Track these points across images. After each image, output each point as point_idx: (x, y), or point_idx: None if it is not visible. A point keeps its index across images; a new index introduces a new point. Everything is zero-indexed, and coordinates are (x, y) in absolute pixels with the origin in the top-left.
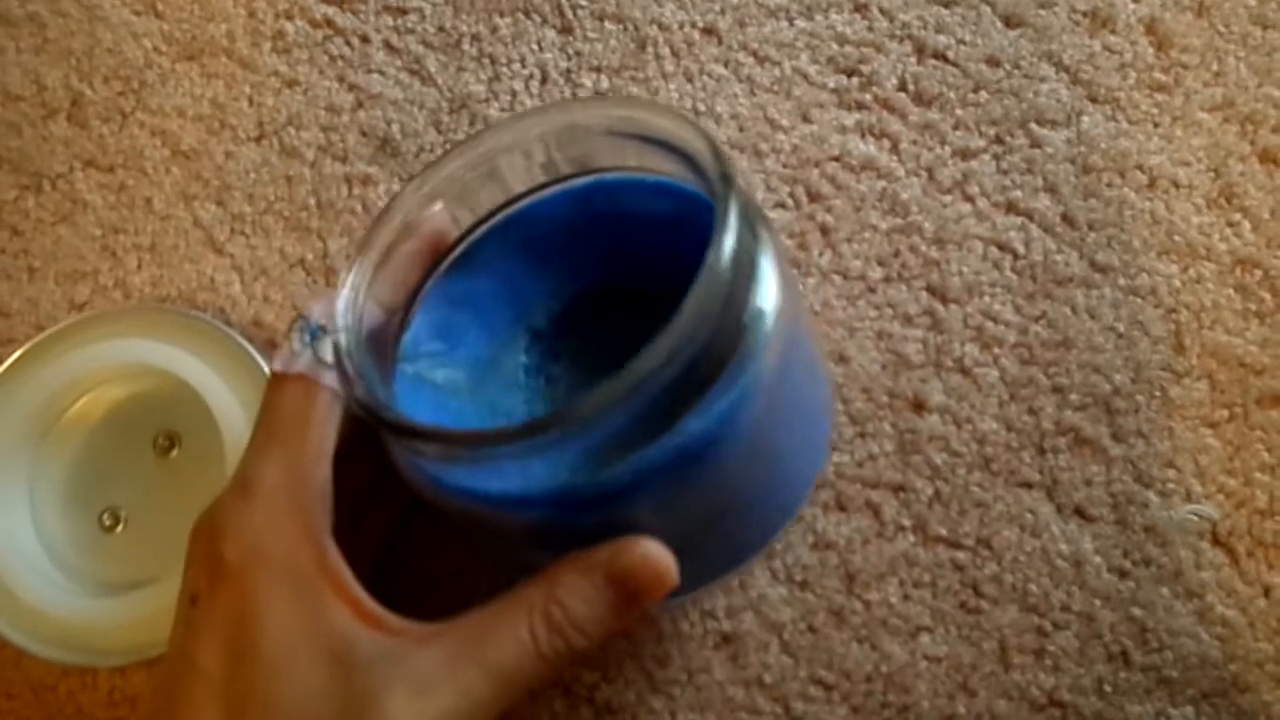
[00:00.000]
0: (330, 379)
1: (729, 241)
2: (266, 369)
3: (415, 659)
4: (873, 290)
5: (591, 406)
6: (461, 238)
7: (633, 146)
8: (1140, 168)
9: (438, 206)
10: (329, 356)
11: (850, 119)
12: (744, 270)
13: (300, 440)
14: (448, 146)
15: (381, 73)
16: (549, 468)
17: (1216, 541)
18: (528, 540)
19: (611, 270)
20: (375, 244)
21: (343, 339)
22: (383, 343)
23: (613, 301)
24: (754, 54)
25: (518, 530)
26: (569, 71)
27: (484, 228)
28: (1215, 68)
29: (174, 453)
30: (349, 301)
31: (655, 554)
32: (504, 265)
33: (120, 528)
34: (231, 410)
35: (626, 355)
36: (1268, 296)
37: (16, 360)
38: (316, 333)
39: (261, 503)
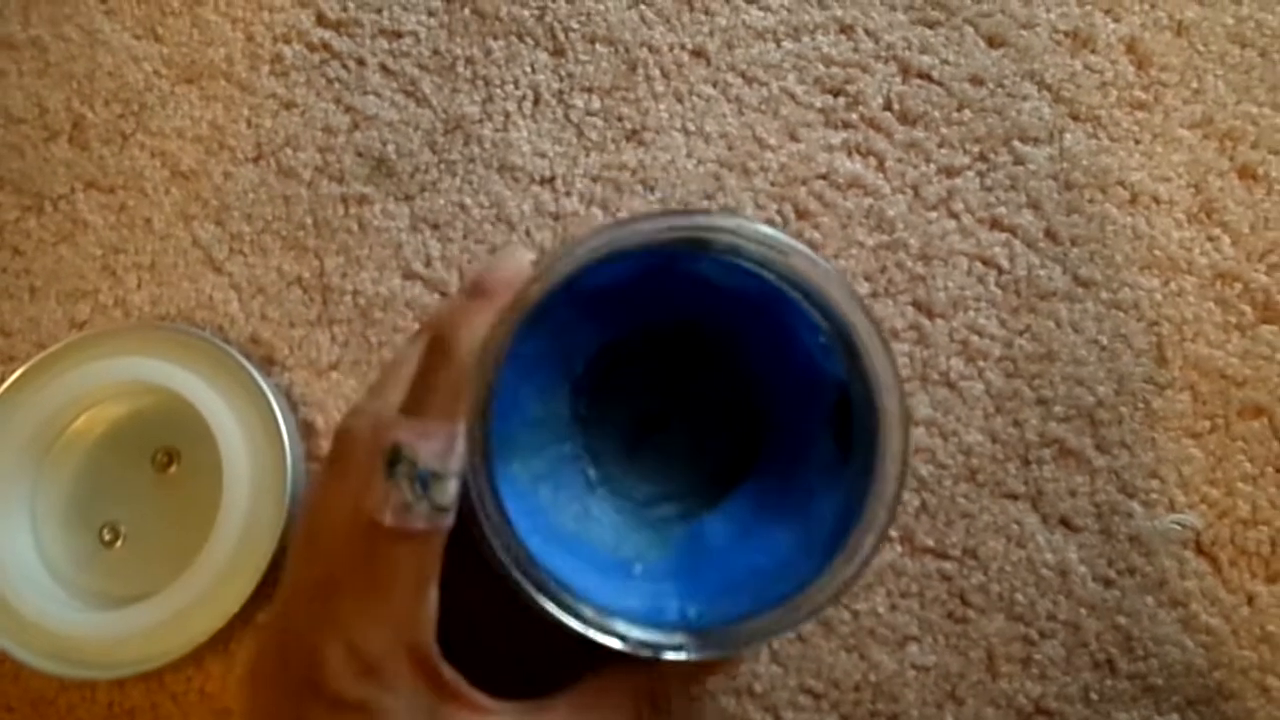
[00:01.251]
0: (446, 522)
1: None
2: (265, 386)
3: None
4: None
5: (745, 635)
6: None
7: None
8: (1122, 184)
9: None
10: (446, 501)
11: (837, 138)
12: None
13: (415, 594)
14: (441, 170)
15: (377, 94)
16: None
17: (1200, 550)
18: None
19: (654, 315)
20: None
21: (488, 503)
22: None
23: (645, 340)
24: (742, 75)
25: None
26: (561, 93)
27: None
28: (1194, 85)
29: (173, 469)
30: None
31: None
32: (566, 321)
33: (120, 543)
34: (230, 426)
35: (655, 396)
36: (1248, 309)
37: (18, 378)
38: (428, 478)
39: (378, 659)
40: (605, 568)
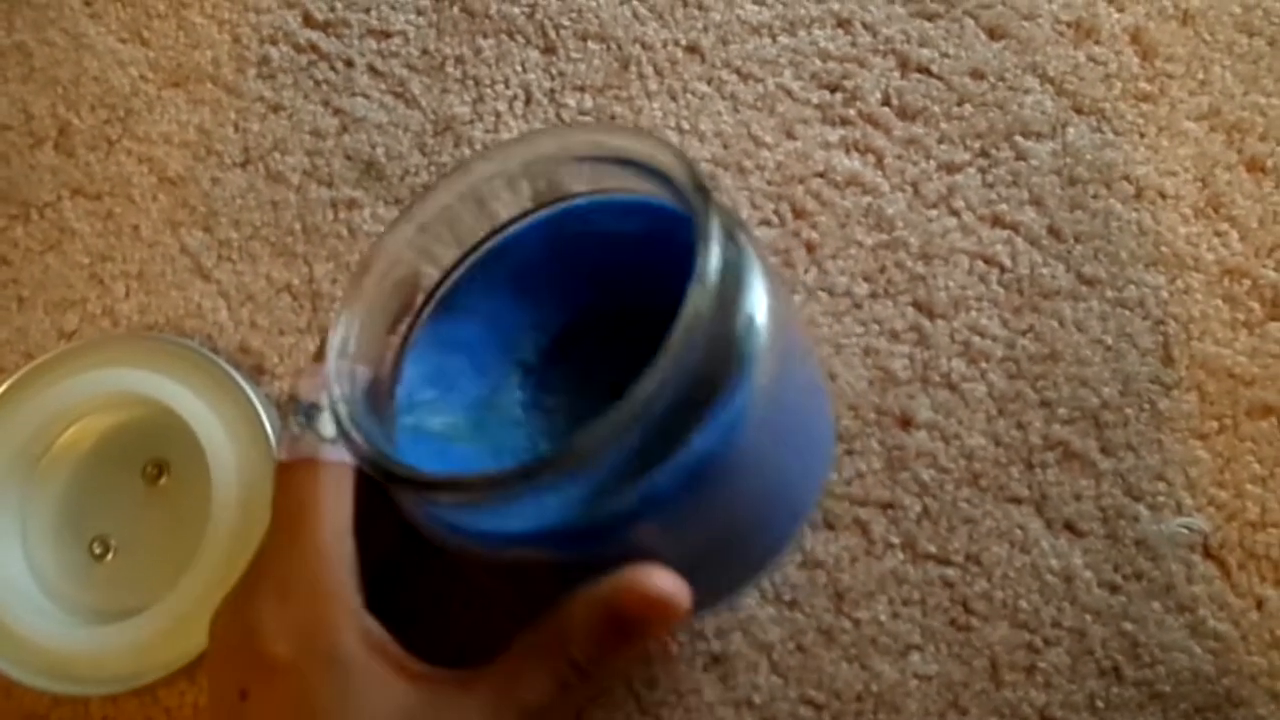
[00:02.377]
0: (335, 453)
1: (714, 254)
2: (253, 395)
3: (462, 709)
4: (859, 306)
5: (596, 439)
6: (444, 277)
7: (607, 170)
8: (1127, 178)
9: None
10: (329, 431)
11: (834, 135)
12: (731, 281)
13: (318, 525)
14: (432, 173)
15: (366, 96)
16: (561, 503)
17: (1208, 554)
18: (548, 575)
19: (595, 295)
20: (361, 297)
21: (341, 408)
22: (377, 399)
23: (600, 325)
24: (737, 71)
25: (537, 566)
26: (553, 92)
27: (465, 265)
28: (1201, 76)
29: (163, 480)
30: (339, 368)
31: (658, 584)
32: (489, 303)
33: (110, 556)
34: (219, 437)
35: (620, 379)
36: (1256, 306)
37: (6, 390)
38: (311, 411)
39: (297, 597)
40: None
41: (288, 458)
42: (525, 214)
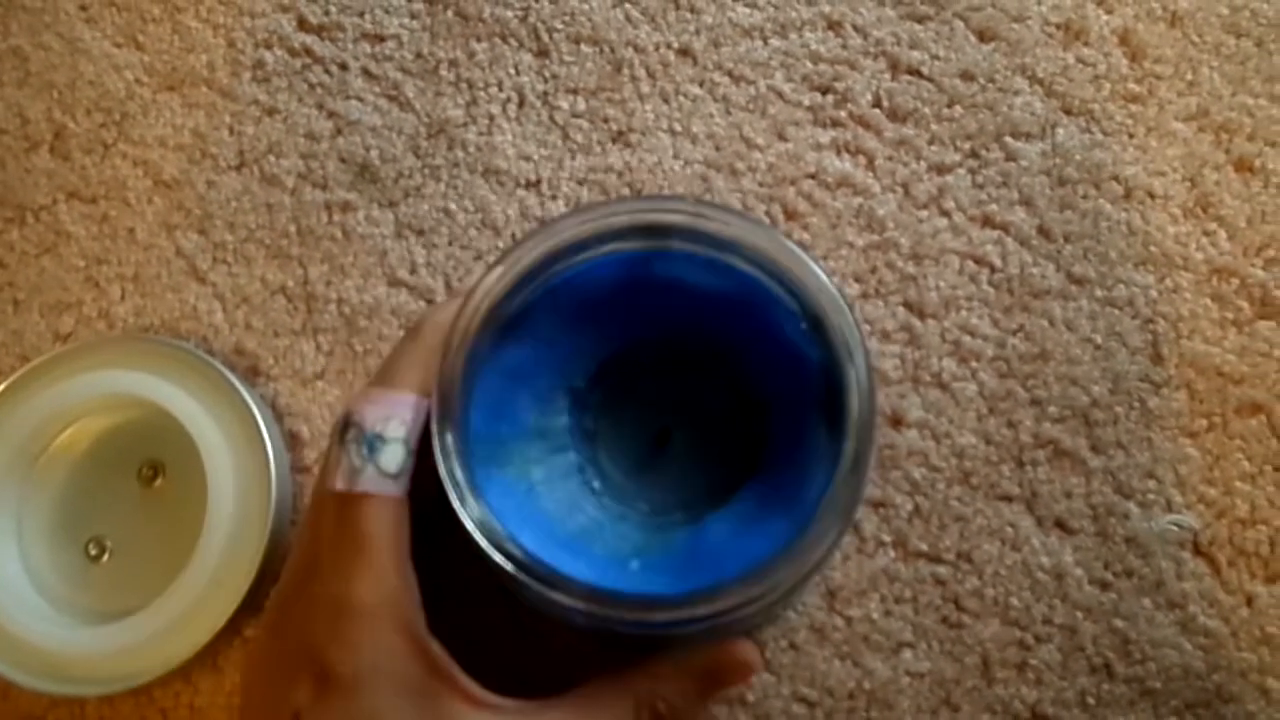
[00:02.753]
0: (396, 489)
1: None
2: (248, 397)
3: None
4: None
5: (765, 585)
6: (508, 294)
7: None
8: (1116, 179)
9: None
10: (394, 466)
11: (826, 136)
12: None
13: (384, 554)
14: (426, 175)
15: (360, 99)
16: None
17: (1198, 551)
18: (632, 645)
19: (647, 328)
20: (460, 345)
21: (457, 471)
22: (449, 426)
23: (642, 352)
24: (729, 73)
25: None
26: (546, 94)
27: (531, 288)
28: (1189, 77)
29: (158, 482)
30: (445, 445)
31: (746, 655)
32: (551, 330)
33: (106, 557)
34: (214, 439)
35: (658, 406)
36: (1245, 305)
37: (2, 392)
38: (375, 443)
39: (365, 622)
40: (602, 564)
41: (346, 489)
42: (600, 241)
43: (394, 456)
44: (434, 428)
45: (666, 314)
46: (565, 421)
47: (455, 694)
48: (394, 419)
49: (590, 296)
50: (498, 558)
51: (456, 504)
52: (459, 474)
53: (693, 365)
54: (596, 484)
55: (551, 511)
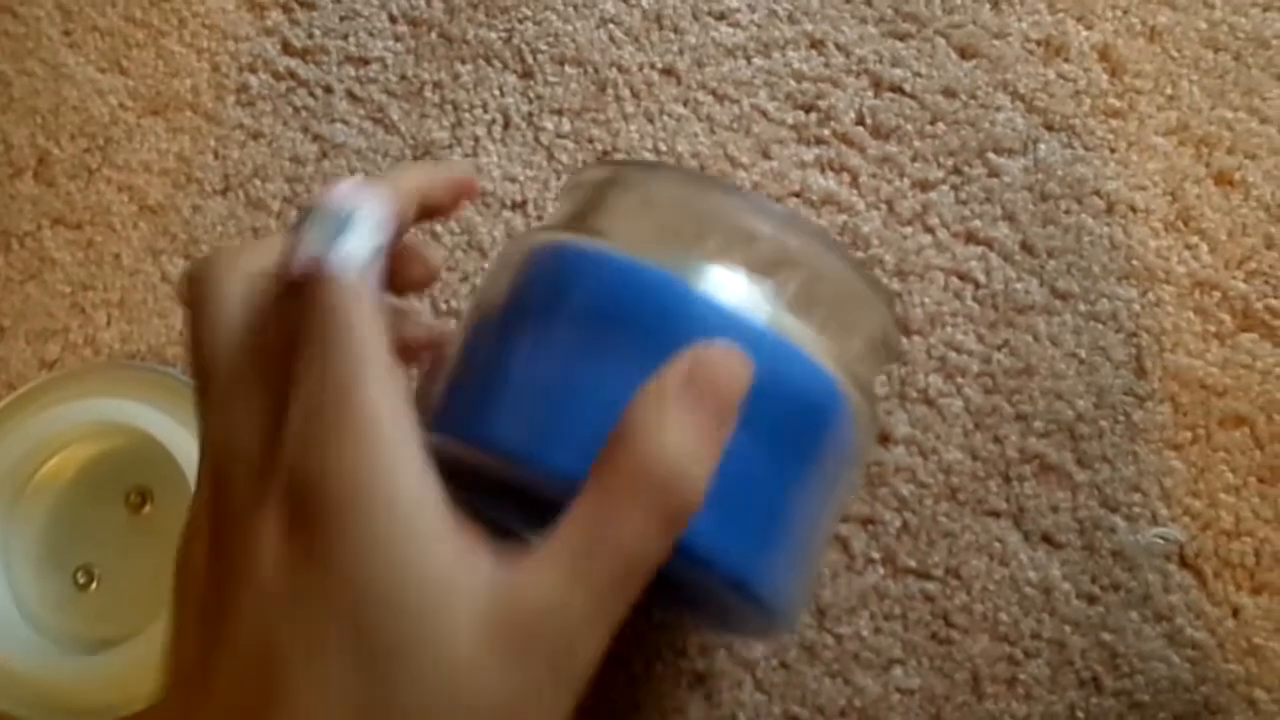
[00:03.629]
0: (359, 283)
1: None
2: None
3: (543, 586)
4: None
5: None
6: None
7: None
8: (1097, 193)
9: None
10: (362, 253)
11: (810, 154)
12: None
13: (362, 344)
14: None
15: (345, 122)
16: None
17: (1184, 564)
18: None
19: None
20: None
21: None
22: None
23: None
24: (713, 93)
25: None
26: (530, 115)
27: None
28: (1169, 92)
29: (146, 509)
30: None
31: (721, 350)
32: None
33: (94, 585)
34: None
35: None
36: (1227, 318)
37: None
38: (343, 224)
39: (344, 424)
40: None
41: (302, 272)
42: None
43: (364, 241)
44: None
45: None
46: None
47: (459, 527)
48: (368, 202)
49: None
50: None
51: None
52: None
53: None
54: None
55: None
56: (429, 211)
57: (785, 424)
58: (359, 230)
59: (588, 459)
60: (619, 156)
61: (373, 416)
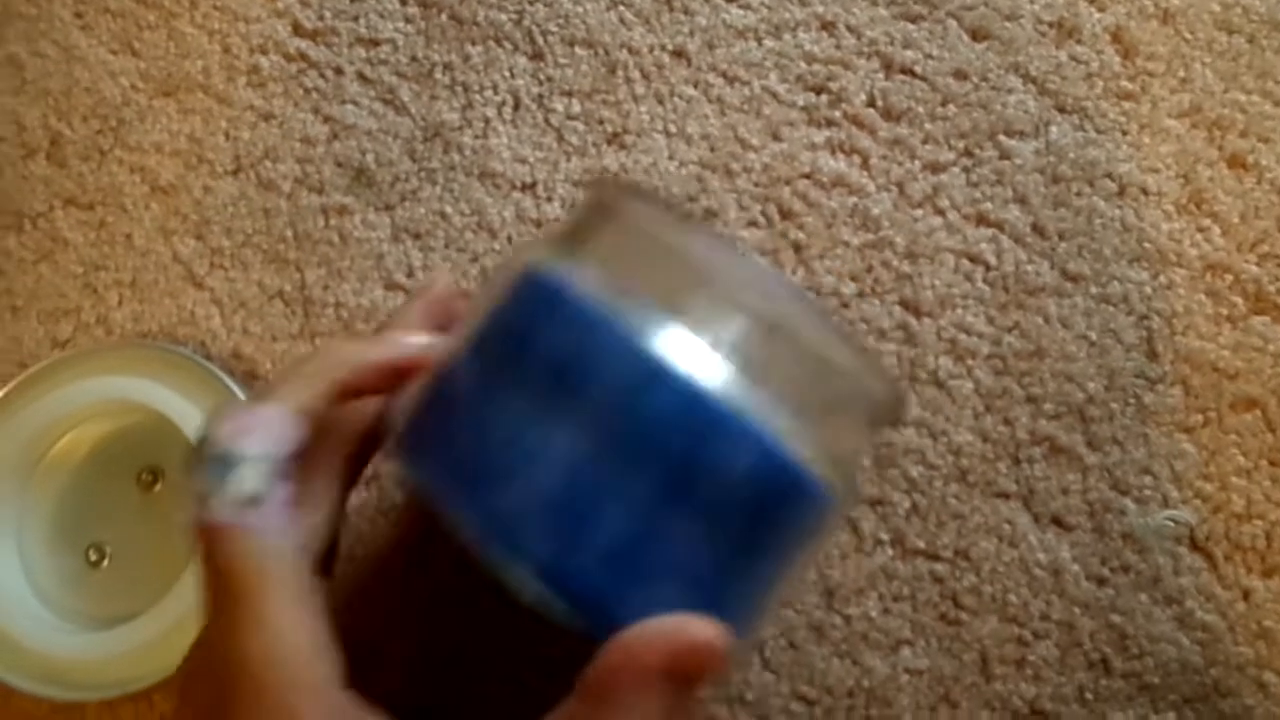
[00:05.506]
0: (259, 518)
1: None
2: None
3: None
4: (846, 306)
5: None
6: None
7: None
8: (1109, 176)
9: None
10: (247, 489)
11: (820, 136)
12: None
13: (274, 603)
14: (422, 179)
15: (355, 104)
16: None
17: (1194, 546)
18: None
19: None
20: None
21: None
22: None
23: None
24: (723, 74)
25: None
26: (541, 97)
27: None
28: (1182, 74)
29: (157, 487)
30: (296, 424)
31: (703, 631)
32: None
33: (106, 563)
34: None
35: None
36: (1239, 301)
37: (1, 400)
38: (226, 462)
39: (258, 688)
40: None
41: (198, 519)
42: None
43: (249, 480)
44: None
45: None
46: None
47: None
48: (250, 434)
49: None
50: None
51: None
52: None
53: None
54: None
55: None
56: (356, 394)
57: (735, 512)
58: (247, 471)
59: (522, 521)
60: (632, 181)
61: (284, 666)
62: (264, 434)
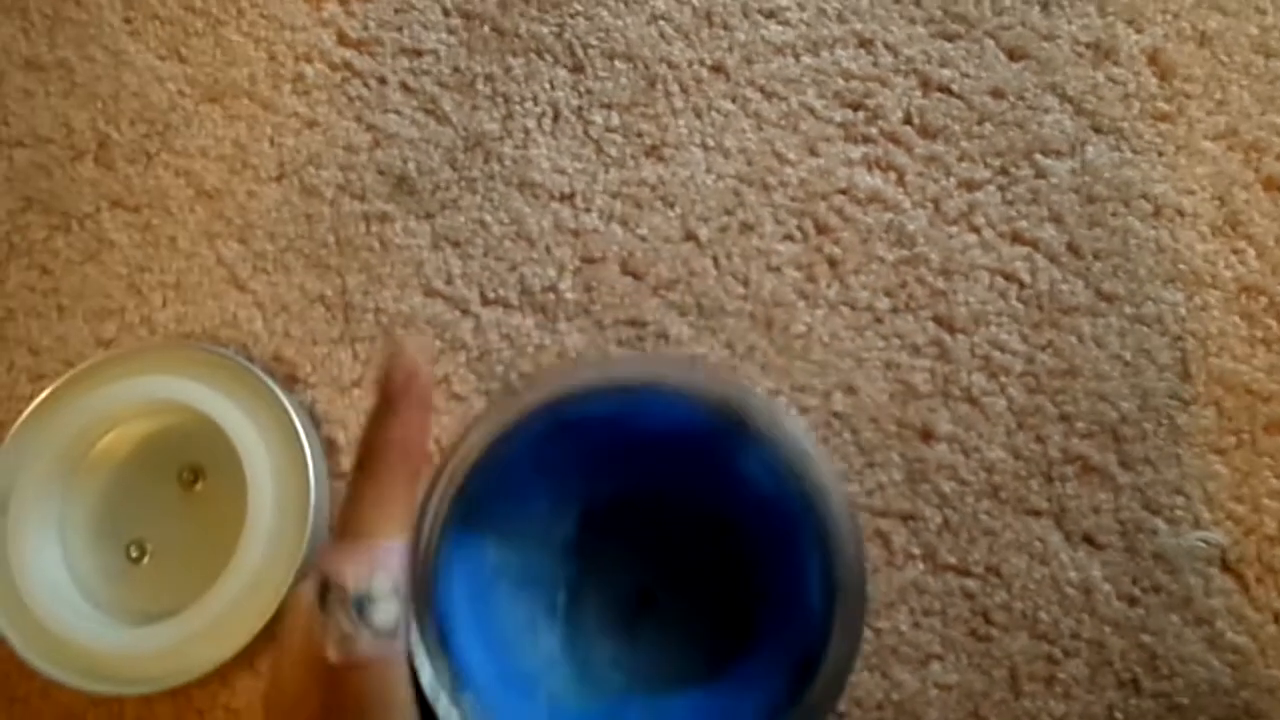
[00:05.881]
0: (396, 646)
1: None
2: (287, 403)
3: None
4: (880, 321)
5: None
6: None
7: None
8: (1145, 196)
9: None
10: (388, 623)
11: (857, 152)
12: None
13: None
14: (463, 188)
15: (398, 113)
16: None
17: (1226, 568)
18: None
19: (626, 486)
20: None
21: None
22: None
23: (627, 514)
24: (761, 90)
25: None
26: (580, 109)
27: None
28: (1218, 96)
29: (198, 486)
30: (403, 551)
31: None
32: (511, 507)
33: (146, 560)
34: (253, 444)
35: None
36: (1274, 323)
37: (47, 397)
38: (363, 603)
39: None
40: (509, 674)
41: (344, 659)
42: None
43: (387, 612)
44: (413, 619)
45: (648, 470)
46: (559, 543)
47: None
48: (378, 572)
49: (599, 440)
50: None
51: (433, 698)
52: (440, 664)
53: (677, 523)
54: (580, 642)
55: (502, 600)
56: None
57: None
58: (383, 606)
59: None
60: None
61: None
62: (390, 568)
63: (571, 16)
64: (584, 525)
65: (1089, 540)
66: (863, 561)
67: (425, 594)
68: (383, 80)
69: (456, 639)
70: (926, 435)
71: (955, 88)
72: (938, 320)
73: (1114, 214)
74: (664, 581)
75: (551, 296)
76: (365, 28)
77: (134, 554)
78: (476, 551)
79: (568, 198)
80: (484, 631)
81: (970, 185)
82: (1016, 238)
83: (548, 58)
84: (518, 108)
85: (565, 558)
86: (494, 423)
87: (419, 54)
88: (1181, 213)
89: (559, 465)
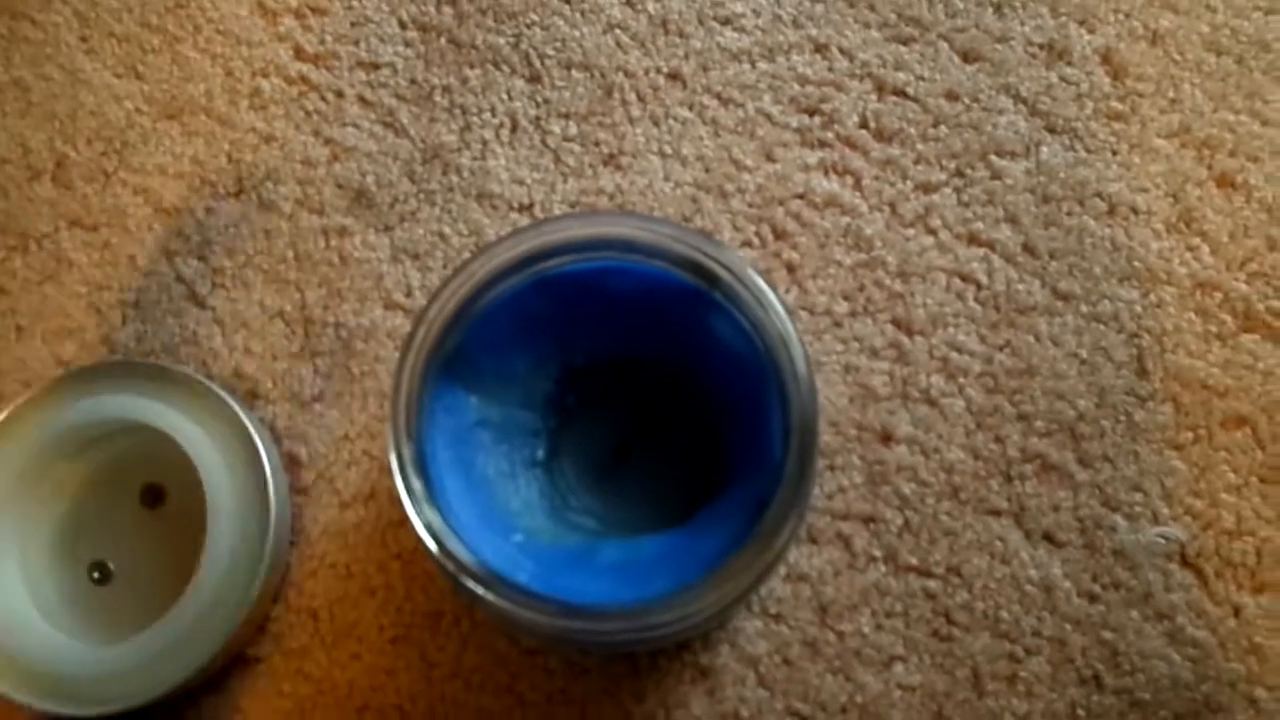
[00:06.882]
0: None
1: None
2: (247, 421)
3: None
4: (839, 325)
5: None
6: (440, 332)
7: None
8: (1099, 195)
9: None
10: None
11: (813, 157)
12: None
13: None
14: (421, 200)
15: (356, 126)
16: None
17: (1185, 563)
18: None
19: (601, 346)
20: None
21: (413, 480)
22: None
23: (601, 370)
24: (718, 96)
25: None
26: (538, 119)
27: (464, 320)
28: (1171, 95)
29: (160, 506)
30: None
31: None
32: (493, 358)
33: (108, 581)
34: (214, 462)
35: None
36: (1228, 319)
37: (5, 418)
38: None
39: None
40: (488, 515)
41: None
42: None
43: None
44: (390, 440)
45: (625, 330)
46: (540, 398)
47: None
48: None
49: (577, 297)
50: (446, 564)
51: (410, 511)
52: (415, 483)
53: (653, 383)
54: (558, 491)
55: (481, 446)
56: None
57: None
58: None
59: None
60: None
61: None
62: None
63: (528, 27)
64: (563, 383)
65: (1049, 538)
66: (815, 402)
67: (408, 429)
68: (340, 94)
69: (438, 477)
70: (886, 438)
71: (910, 91)
72: (896, 323)
73: (1069, 213)
74: (639, 437)
75: None
76: (322, 41)
77: (96, 575)
78: (458, 402)
79: (526, 208)
80: (465, 475)
81: (926, 188)
82: (973, 239)
83: (505, 68)
84: (475, 119)
85: (545, 413)
86: (472, 275)
87: (376, 67)
88: (1136, 210)
89: (538, 322)
